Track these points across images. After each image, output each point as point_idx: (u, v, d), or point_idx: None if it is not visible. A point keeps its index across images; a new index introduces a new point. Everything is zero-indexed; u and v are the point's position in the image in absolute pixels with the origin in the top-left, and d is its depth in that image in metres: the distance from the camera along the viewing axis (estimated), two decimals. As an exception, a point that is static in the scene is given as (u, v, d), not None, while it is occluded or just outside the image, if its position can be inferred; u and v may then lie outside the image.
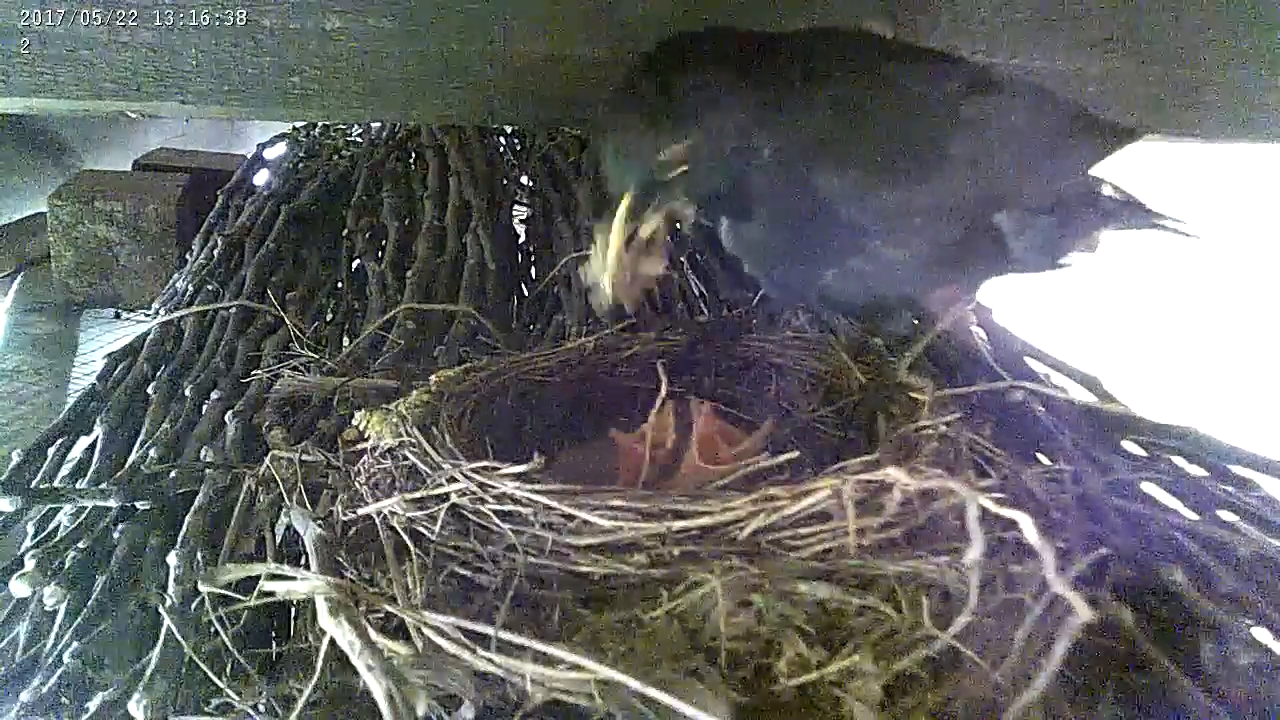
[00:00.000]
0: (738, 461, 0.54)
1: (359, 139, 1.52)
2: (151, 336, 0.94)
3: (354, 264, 1.13)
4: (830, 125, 0.54)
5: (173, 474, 0.66)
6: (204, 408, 0.79)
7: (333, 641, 0.39)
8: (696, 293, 1.02)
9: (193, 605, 0.51)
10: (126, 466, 0.71)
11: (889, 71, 0.57)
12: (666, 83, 0.52)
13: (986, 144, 0.57)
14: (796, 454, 0.50)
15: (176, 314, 0.98)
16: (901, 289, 0.60)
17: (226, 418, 0.75)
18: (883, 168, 0.55)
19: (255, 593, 0.46)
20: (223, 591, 0.47)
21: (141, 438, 0.77)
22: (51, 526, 0.65)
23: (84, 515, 0.63)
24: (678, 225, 0.56)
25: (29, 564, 0.57)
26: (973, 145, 0.57)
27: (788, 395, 0.70)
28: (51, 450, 0.75)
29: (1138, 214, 0.66)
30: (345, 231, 1.21)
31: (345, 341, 0.96)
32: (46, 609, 0.56)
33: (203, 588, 0.47)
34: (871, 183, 0.54)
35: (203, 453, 0.71)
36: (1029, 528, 0.38)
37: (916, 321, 0.70)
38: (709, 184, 0.54)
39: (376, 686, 0.35)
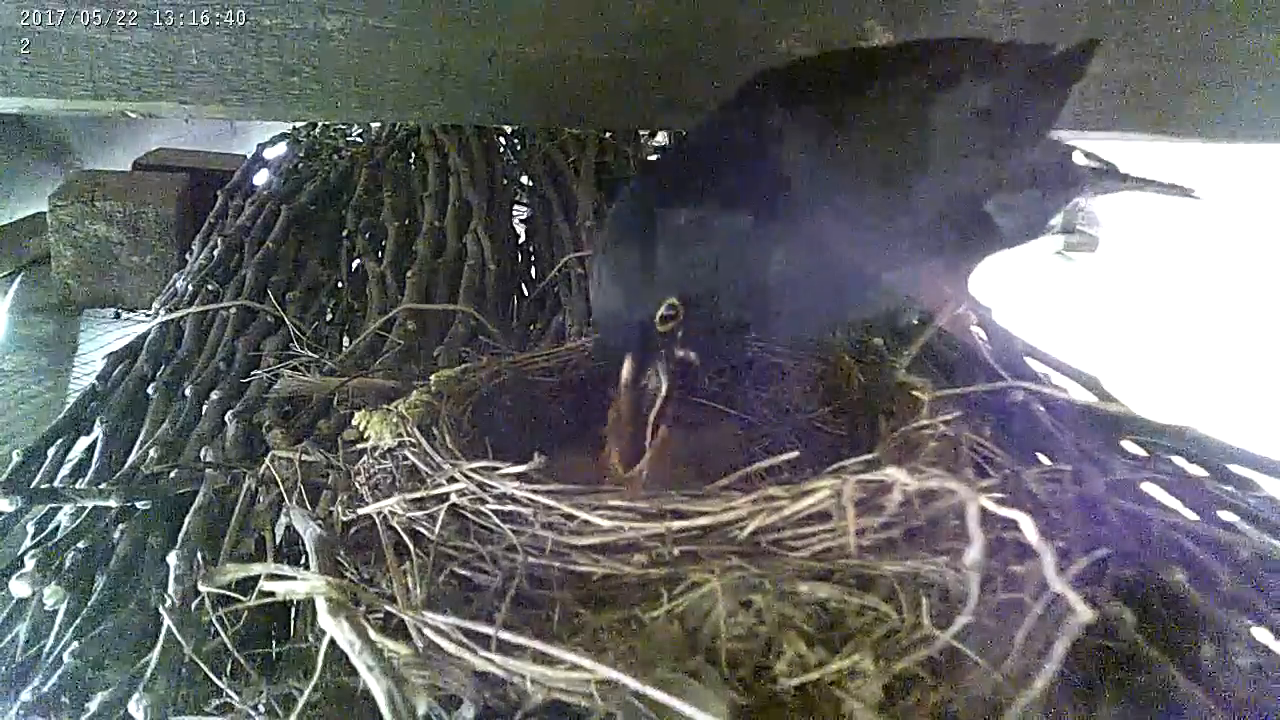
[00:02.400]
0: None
1: (359, 139, 1.52)
2: (151, 336, 0.94)
3: (354, 264, 1.13)
4: (816, 205, 0.54)
5: (173, 474, 0.66)
6: (204, 408, 0.79)
7: (333, 641, 0.39)
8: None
9: (193, 605, 0.51)
10: (126, 466, 0.71)
11: (863, 101, 0.57)
12: (646, 241, 0.51)
13: (967, 142, 0.58)
14: (796, 454, 0.49)
15: (176, 314, 0.98)
16: (898, 299, 0.61)
17: (226, 418, 0.75)
18: (876, 200, 0.55)
19: (255, 593, 0.46)
20: (223, 591, 0.47)
21: (141, 438, 0.77)
22: (51, 526, 0.65)
23: (84, 515, 0.63)
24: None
25: (29, 564, 0.57)
26: (951, 152, 0.57)
27: (788, 395, 0.70)
28: (51, 450, 0.75)
29: (1111, 177, 0.66)
30: (345, 231, 1.21)
31: (345, 341, 0.96)
32: (46, 609, 0.56)
33: (203, 588, 0.47)
34: (861, 232, 0.55)
35: (203, 453, 0.71)
36: (1029, 528, 0.38)
37: (916, 322, 0.70)
38: (708, 326, 0.54)
39: (376, 686, 0.35)
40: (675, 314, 0.52)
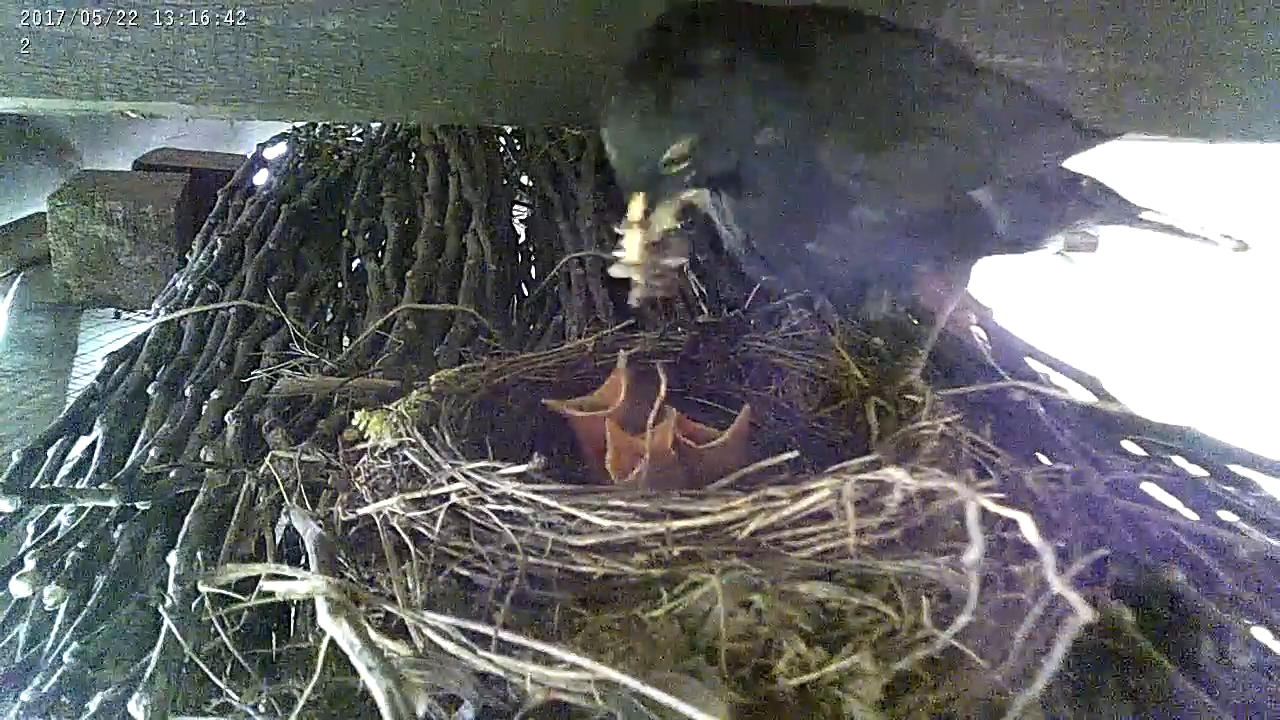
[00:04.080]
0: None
1: (359, 139, 1.52)
2: (151, 336, 0.94)
3: (354, 264, 1.13)
4: (821, 98, 0.55)
5: (173, 474, 0.66)
6: (204, 408, 0.79)
7: (333, 641, 0.39)
8: (696, 293, 1.02)
9: (193, 605, 0.51)
10: (126, 466, 0.71)
11: (877, 47, 0.58)
12: (663, 81, 0.52)
13: (967, 119, 0.59)
14: (796, 454, 0.49)
15: (176, 314, 0.98)
16: (883, 259, 0.61)
17: (226, 418, 0.75)
18: (868, 135, 0.56)
19: (255, 593, 0.46)
20: (223, 591, 0.47)
21: (141, 438, 0.77)
22: (51, 526, 0.65)
23: (84, 515, 0.63)
24: (690, 214, 0.57)
25: (29, 564, 0.57)
26: (954, 119, 0.58)
27: (788, 395, 0.70)
28: (51, 450, 0.75)
29: (1121, 209, 0.67)
30: (345, 231, 1.21)
31: (345, 341, 0.96)
32: (46, 609, 0.56)
33: (203, 588, 0.47)
34: (857, 149, 0.56)
35: (203, 453, 0.71)
36: (1029, 528, 0.38)
37: (916, 322, 0.70)
38: (712, 173, 0.55)
39: (376, 686, 0.35)
40: (686, 156, 0.52)
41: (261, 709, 0.45)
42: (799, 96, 0.54)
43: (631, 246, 0.55)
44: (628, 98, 0.53)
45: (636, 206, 0.54)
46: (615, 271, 0.57)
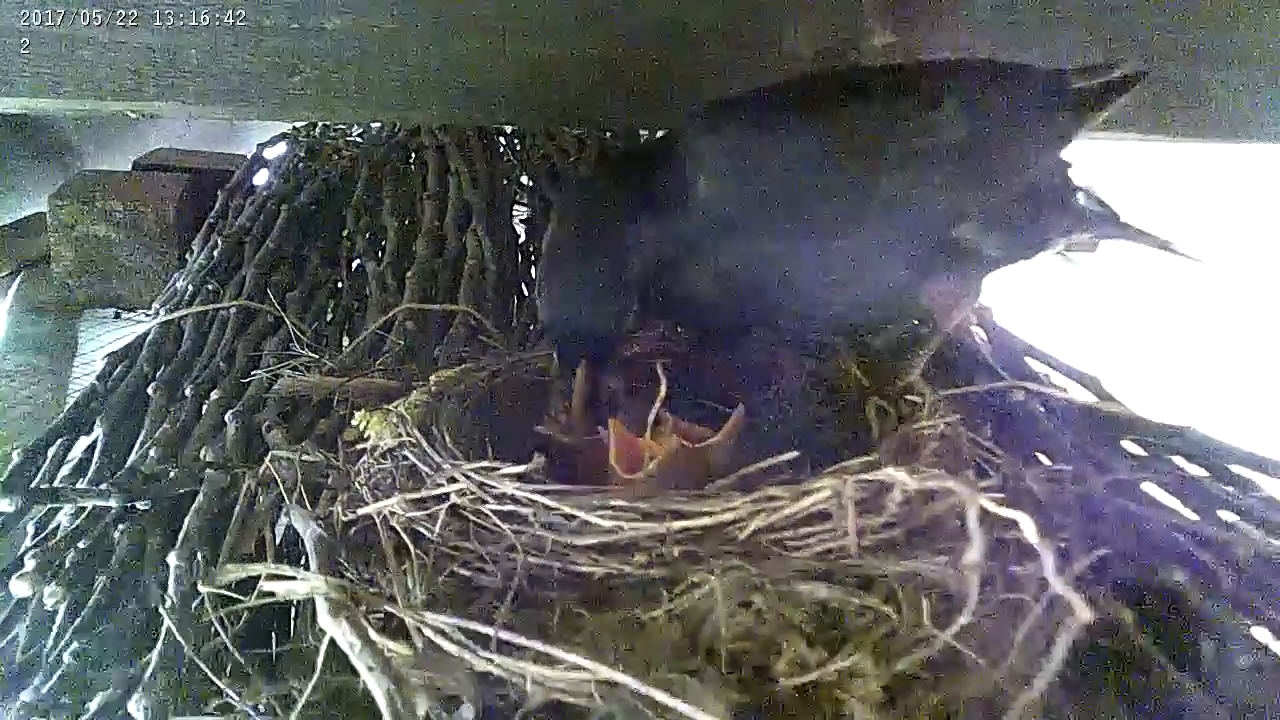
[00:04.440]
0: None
1: (359, 139, 1.52)
2: (151, 336, 0.94)
3: (354, 264, 1.13)
4: (740, 209, 0.55)
5: (173, 474, 0.66)
6: (204, 408, 0.79)
7: (333, 641, 0.39)
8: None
9: (193, 605, 0.51)
10: (126, 466, 0.71)
11: (800, 132, 0.56)
12: (596, 251, 0.55)
13: (923, 177, 0.56)
14: (796, 454, 0.49)
15: (176, 314, 0.98)
16: (864, 312, 0.61)
17: (226, 418, 0.75)
18: (803, 226, 0.55)
19: (255, 593, 0.46)
20: (223, 591, 0.47)
21: (141, 438, 0.77)
22: (51, 526, 0.65)
23: (84, 515, 0.63)
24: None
25: (29, 564, 0.57)
26: (905, 185, 0.56)
27: (788, 395, 0.70)
28: (51, 450, 0.75)
29: (1111, 225, 0.66)
30: (345, 231, 1.21)
31: (345, 341, 0.96)
32: (46, 609, 0.56)
33: (203, 588, 0.47)
34: (789, 252, 0.56)
35: (203, 453, 0.71)
36: (1029, 528, 0.38)
37: (917, 322, 0.70)
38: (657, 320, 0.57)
39: (376, 686, 0.35)
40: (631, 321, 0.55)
41: (261, 709, 0.45)
42: (703, 218, 0.55)
43: (578, 409, 0.57)
44: (565, 271, 0.55)
45: (581, 375, 0.56)
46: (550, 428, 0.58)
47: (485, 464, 0.49)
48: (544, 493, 0.46)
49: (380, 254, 1.11)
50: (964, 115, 0.57)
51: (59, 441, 0.76)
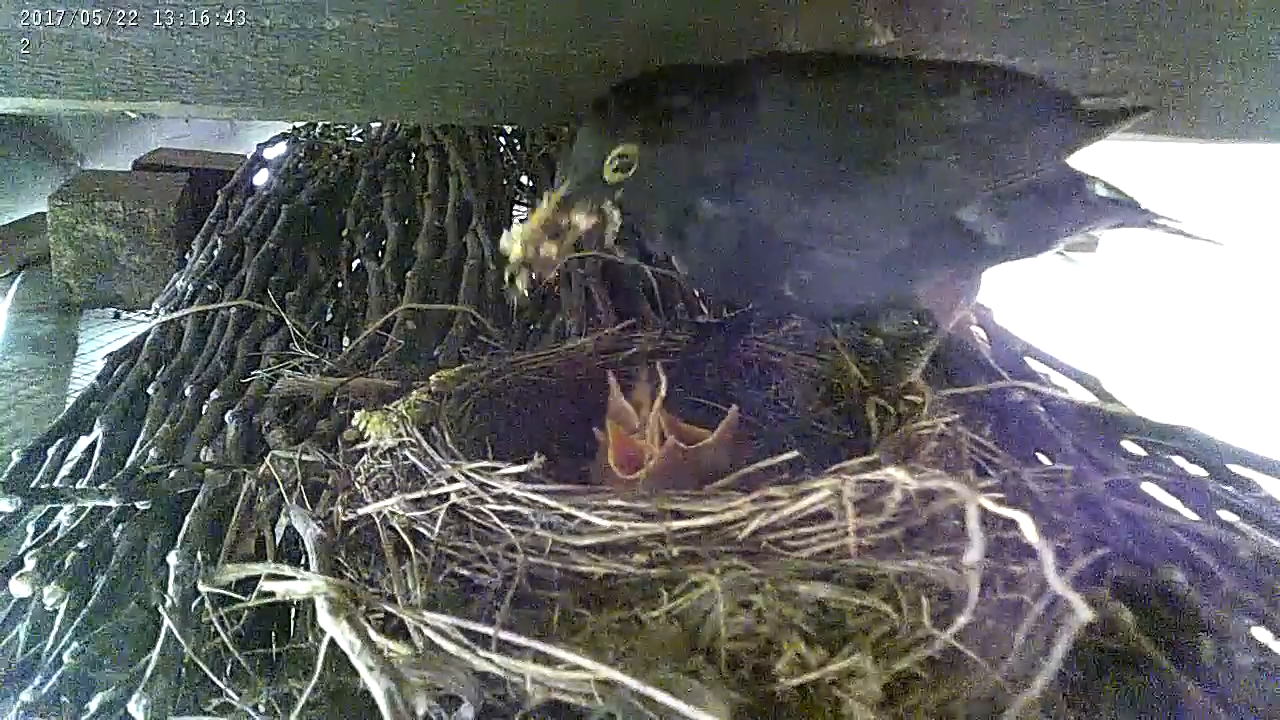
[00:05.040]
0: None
1: (359, 139, 1.52)
2: (151, 336, 0.94)
3: (354, 264, 1.14)
4: (767, 146, 0.55)
5: (173, 474, 0.66)
6: (204, 408, 0.79)
7: (333, 641, 0.39)
8: (696, 293, 1.02)
9: (193, 605, 0.51)
10: (126, 466, 0.71)
11: (823, 93, 0.58)
12: (632, 102, 0.55)
13: (933, 148, 0.58)
14: (796, 454, 0.49)
15: (176, 314, 0.98)
16: (862, 293, 0.61)
17: (226, 418, 0.75)
18: (817, 183, 0.56)
19: (255, 593, 0.46)
20: (223, 591, 0.47)
21: (141, 438, 0.77)
22: (51, 526, 0.65)
23: (84, 515, 0.63)
24: (591, 240, 0.57)
25: (29, 564, 0.57)
26: (915, 152, 0.57)
27: (788, 395, 0.70)
28: (51, 450, 0.75)
29: (1131, 212, 0.66)
30: (345, 231, 1.21)
31: (345, 341, 0.96)
32: (46, 609, 0.56)
33: (203, 588, 0.47)
34: (800, 206, 0.56)
35: (203, 453, 0.71)
36: (1029, 528, 0.38)
37: (917, 321, 0.70)
38: (646, 200, 0.56)
39: (376, 686, 0.35)
40: (627, 168, 0.54)
41: (261, 709, 0.45)
42: (745, 145, 0.55)
43: (535, 222, 0.55)
44: (602, 101, 0.55)
45: (562, 191, 0.54)
46: (502, 241, 0.56)
47: (485, 464, 0.49)
48: (544, 493, 0.46)
49: (380, 254, 1.11)
50: (979, 103, 0.59)
51: (59, 441, 0.76)
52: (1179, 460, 0.68)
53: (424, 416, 0.57)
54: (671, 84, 0.56)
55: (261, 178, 1.40)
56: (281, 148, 1.51)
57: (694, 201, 0.56)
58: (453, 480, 0.49)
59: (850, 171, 0.56)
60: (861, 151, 0.56)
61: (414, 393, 0.61)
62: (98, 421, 0.78)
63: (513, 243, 0.55)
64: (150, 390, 0.84)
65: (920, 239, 0.58)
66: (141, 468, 0.70)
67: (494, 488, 0.47)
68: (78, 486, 0.69)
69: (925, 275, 0.61)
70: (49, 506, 0.65)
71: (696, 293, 1.02)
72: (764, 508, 0.44)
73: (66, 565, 0.59)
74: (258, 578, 0.45)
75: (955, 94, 0.59)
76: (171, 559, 0.55)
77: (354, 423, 0.60)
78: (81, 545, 0.60)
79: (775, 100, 0.56)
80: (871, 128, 0.57)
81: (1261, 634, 0.50)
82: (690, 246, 0.58)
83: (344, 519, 0.52)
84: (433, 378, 0.64)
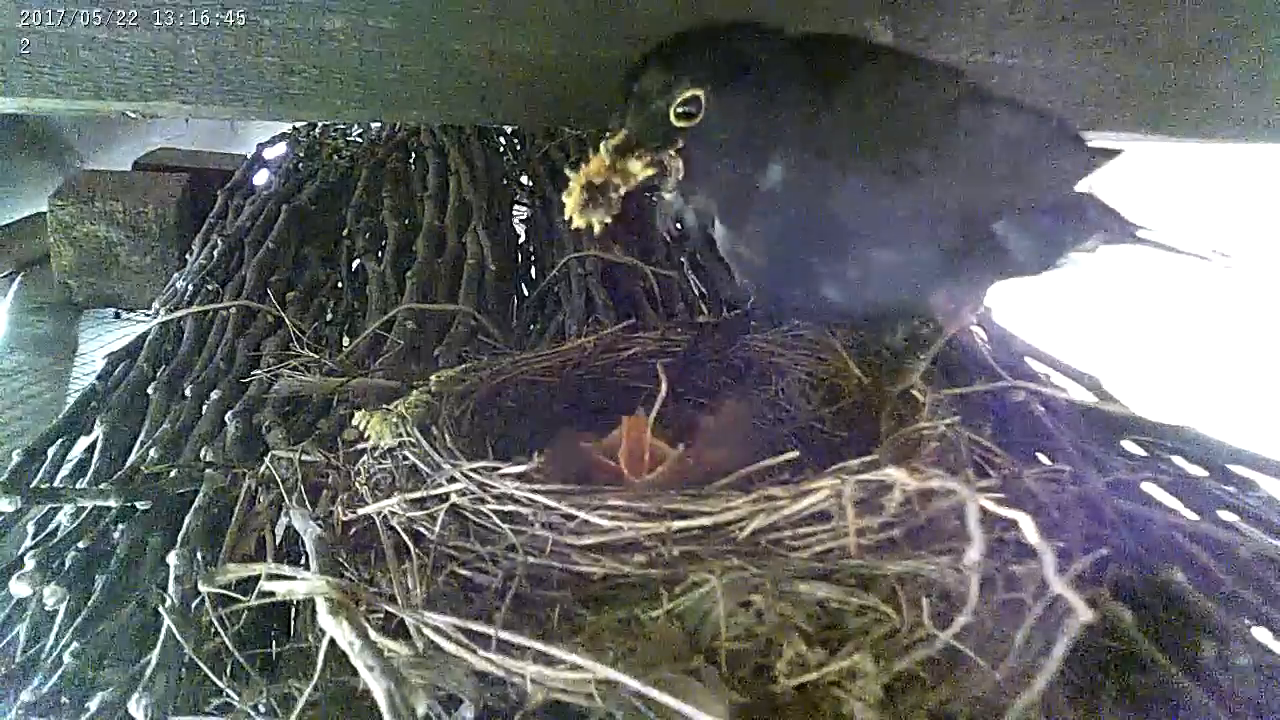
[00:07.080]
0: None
1: (359, 139, 1.52)
2: (151, 336, 0.94)
3: (354, 264, 1.13)
4: (835, 131, 0.54)
5: (173, 474, 0.66)
6: (204, 408, 0.79)
7: (333, 641, 0.39)
8: (697, 293, 1.02)
9: (193, 605, 0.51)
10: (126, 466, 0.71)
11: (892, 78, 0.57)
12: (704, 44, 0.52)
13: (984, 151, 0.58)
14: (797, 454, 0.49)
15: (176, 314, 0.98)
16: (900, 295, 0.61)
17: (226, 418, 0.75)
18: (884, 172, 0.55)
19: (255, 593, 0.46)
20: (223, 591, 0.47)
21: (141, 438, 0.77)
22: (51, 526, 0.65)
23: (84, 515, 0.63)
24: (659, 186, 0.54)
25: (29, 564, 0.57)
26: (971, 152, 0.57)
27: (788, 395, 0.70)
28: (51, 450, 0.75)
29: (1121, 228, 0.67)
30: (345, 231, 1.21)
31: (345, 341, 0.96)
32: (46, 609, 0.56)
33: (203, 588, 0.47)
34: (871, 189, 0.55)
35: (203, 453, 0.71)
36: (1029, 528, 0.38)
37: (918, 323, 0.70)
38: (711, 154, 0.52)
39: (376, 686, 0.35)
40: (694, 113, 0.50)
41: (261, 709, 0.45)
42: (810, 126, 0.53)
43: (588, 175, 0.51)
44: (673, 40, 0.52)
45: (619, 137, 0.51)
46: (571, 189, 0.53)
47: (485, 464, 0.49)
48: (544, 493, 0.46)
49: (380, 254, 1.11)
50: (1016, 117, 0.59)
51: (59, 441, 0.76)
52: (1179, 460, 0.68)
53: (424, 416, 0.57)
54: (747, 34, 0.53)
55: (261, 178, 1.39)
56: (281, 148, 1.51)
57: (762, 164, 0.52)
58: (453, 480, 0.49)
59: (918, 163, 0.55)
60: (929, 145, 0.56)
61: (414, 393, 0.61)
62: (98, 421, 0.78)
63: (569, 196, 0.52)
64: (150, 390, 0.84)
65: (961, 243, 0.58)
66: (141, 468, 0.70)
67: (494, 488, 0.47)
68: (78, 486, 0.69)
69: (951, 282, 0.61)
70: (49, 506, 0.65)
71: (697, 292, 1.02)
72: (764, 508, 0.44)
73: (66, 565, 0.59)
74: (258, 578, 0.45)
75: (1002, 104, 0.59)
76: (171, 559, 0.55)
77: (354, 423, 0.60)
78: (81, 545, 0.60)
79: (849, 80, 0.54)
80: (939, 123, 0.56)
81: (1261, 634, 0.50)
82: (748, 220, 0.54)
83: (344, 519, 0.52)
84: (433, 378, 0.64)
